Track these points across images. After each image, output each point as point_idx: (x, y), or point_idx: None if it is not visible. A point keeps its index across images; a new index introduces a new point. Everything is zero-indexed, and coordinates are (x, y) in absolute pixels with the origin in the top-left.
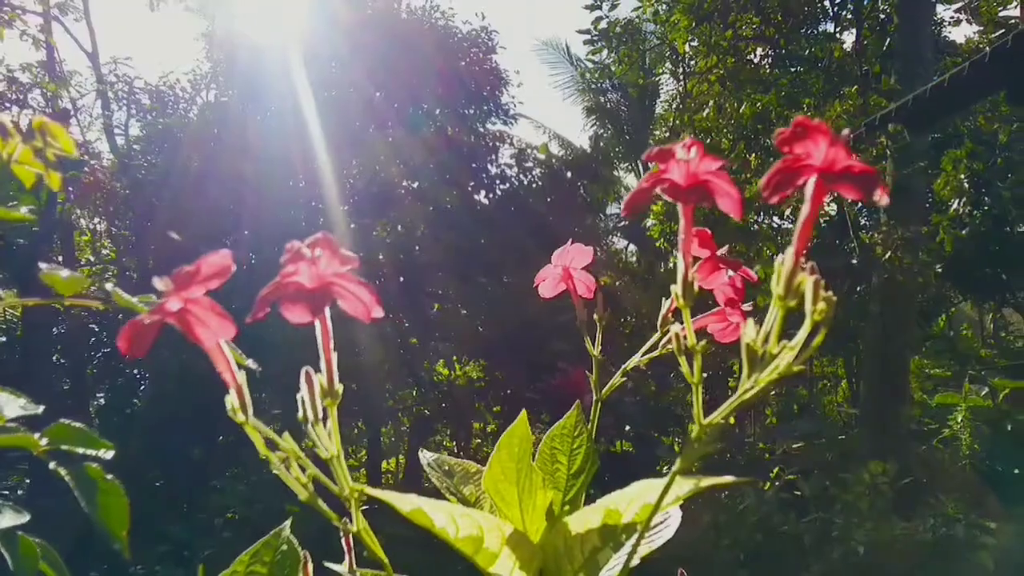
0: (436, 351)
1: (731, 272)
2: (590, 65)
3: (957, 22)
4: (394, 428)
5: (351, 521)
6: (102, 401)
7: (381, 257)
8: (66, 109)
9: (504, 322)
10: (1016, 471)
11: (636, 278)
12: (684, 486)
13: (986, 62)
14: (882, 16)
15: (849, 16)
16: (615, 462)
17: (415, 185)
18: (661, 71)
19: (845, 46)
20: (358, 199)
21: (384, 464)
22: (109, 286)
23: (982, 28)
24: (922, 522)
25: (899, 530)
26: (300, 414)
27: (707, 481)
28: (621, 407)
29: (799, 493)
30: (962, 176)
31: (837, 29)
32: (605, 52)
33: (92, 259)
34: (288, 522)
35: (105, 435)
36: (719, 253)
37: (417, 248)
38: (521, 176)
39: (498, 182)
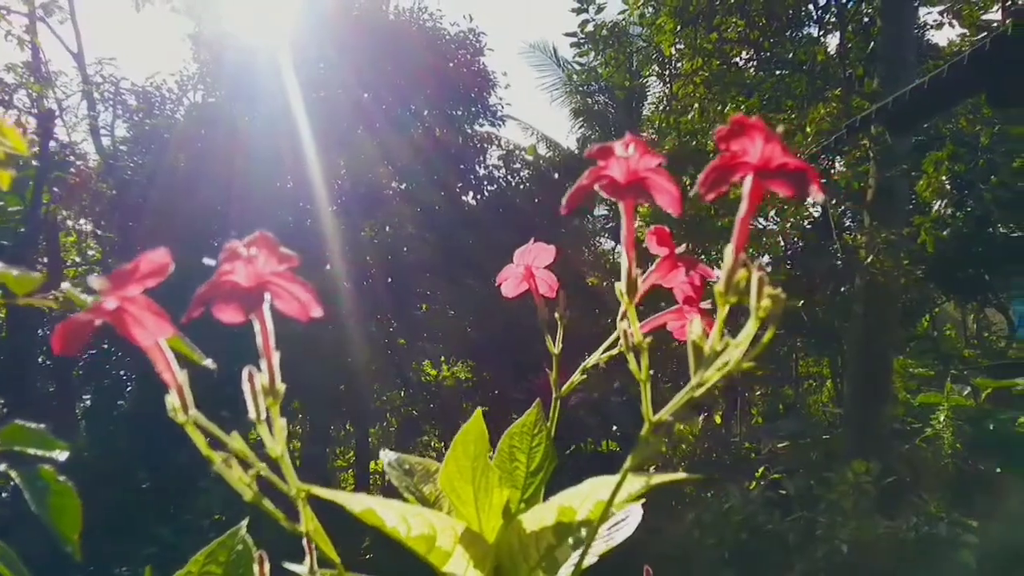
0: (424, 352)
1: (689, 271)
2: (577, 67)
3: (940, 25)
4: (382, 429)
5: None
6: (88, 403)
7: (368, 259)
8: (51, 110)
9: (491, 323)
10: (998, 470)
11: (619, 277)
12: (635, 483)
13: (965, 64)
14: (865, 19)
15: (833, 20)
16: (602, 462)
17: (403, 186)
18: (648, 73)
19: (829, 49)
20: (346, 200)
21: (372, 464)
22: (66, 285)
23: (965, 32)
24: (905, 521)
25: (882, 529)
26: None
27: (658, 478)
28: (607, 407)
29: (784, 492)
30: (944, 178)
31: (821, 32)
32: (592, 55)
33: (78, 260)
34: (244, 522)
35: (92, 437)
36: (678, 252)
37: (405, 249)
38: (509, 177)
39: (486, 183)
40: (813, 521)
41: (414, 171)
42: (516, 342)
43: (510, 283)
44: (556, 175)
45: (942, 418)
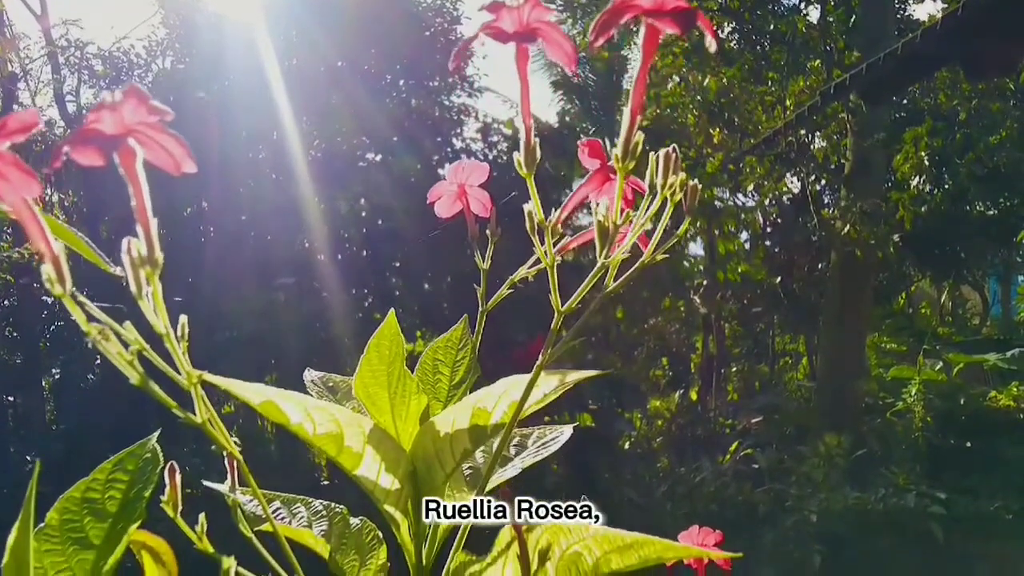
0: (400, 324)
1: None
2: None
3: None
4: None
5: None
6: (57, 376)
7: (343, 231)
8: (14, 73)
9: (467, 297)
10: (968, 444)
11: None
12: (550, 382)
13: (938, 30)
14: None
15: None
16: (575, 436)
17: (378, 157)
18: (629, 44)
19: (810, 19)
20: (320, 170)
21: None
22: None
23: (946, 4)
24: (874, 492)
25: (851, 500)
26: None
27: (572, 376)
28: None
29: (756, 466)
30: (923, 154)
31: (802, 3)
32: (570, 23)
33: None
34: (156, 433)
35: (61, 410)
36: (609, 163)
37: (380, 221)
38: (486, 151)
39: (463, 156)
40: (783, 492)
41: (390, 142)
42: (490, 315)
43: (444, 202)
44: None
45: (914, 392)
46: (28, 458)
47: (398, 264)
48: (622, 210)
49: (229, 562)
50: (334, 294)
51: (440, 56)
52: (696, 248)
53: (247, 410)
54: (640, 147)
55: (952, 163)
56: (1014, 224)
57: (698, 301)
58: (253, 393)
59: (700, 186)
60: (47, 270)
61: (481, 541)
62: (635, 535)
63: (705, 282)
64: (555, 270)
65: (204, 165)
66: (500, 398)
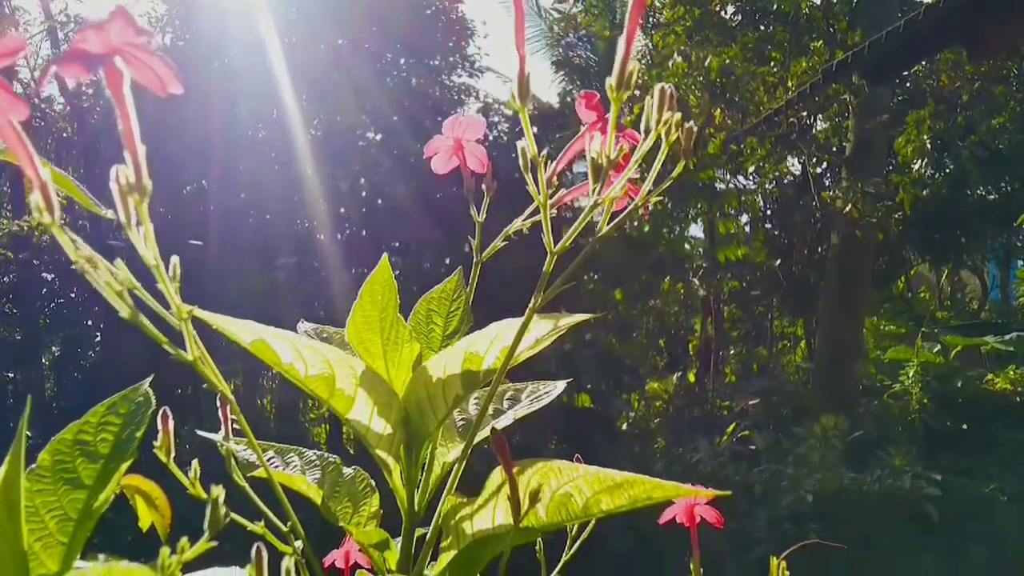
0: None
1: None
2: (556, 16)
3: None
4: None
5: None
6: (57, 353)
7: (343, 210)
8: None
9: (467, 278)
10: (964, 426)
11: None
12: (543, 326)
13: (940, 7)
14: None
15: None
16: (571, 417)
17: (378, 136)
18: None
19: (814, 1)
20: (320, 149)
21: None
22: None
23: None
24: (870, 473)
25: (847, 480)
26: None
27: (566, 319)
28: (578, 358)
29: (753, 447)
30: (925, 137)
31: None
32: (572, 0)
33: None
34: (148, 379)
35: (61, 387)
36: (607, 116)
37: (380, 200)
38: (487, 131)
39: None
40: (780, 473)
41: (390, 121)
42: (488, 292)
43: (440, 158)
44: (535, 129)
45: (911, 374)
46: (28, 435)
47: (398, 244)
48: (621, 169)
49: (217, 491)
50: (334, 273)
51: (441, 35)
52: (696, 230)
53: (247, 389)
54: (635, 76)
55: (954, 146)
56: (1015, 208)
57: (697, 283)
58: (244, 331)
59: (695, 128)
60: (35, 198)
61: (476, 486)
62: (625, 474)
63: (705, 264)
64: (547, 209)
65: (204, 144)
66: (492, 342)
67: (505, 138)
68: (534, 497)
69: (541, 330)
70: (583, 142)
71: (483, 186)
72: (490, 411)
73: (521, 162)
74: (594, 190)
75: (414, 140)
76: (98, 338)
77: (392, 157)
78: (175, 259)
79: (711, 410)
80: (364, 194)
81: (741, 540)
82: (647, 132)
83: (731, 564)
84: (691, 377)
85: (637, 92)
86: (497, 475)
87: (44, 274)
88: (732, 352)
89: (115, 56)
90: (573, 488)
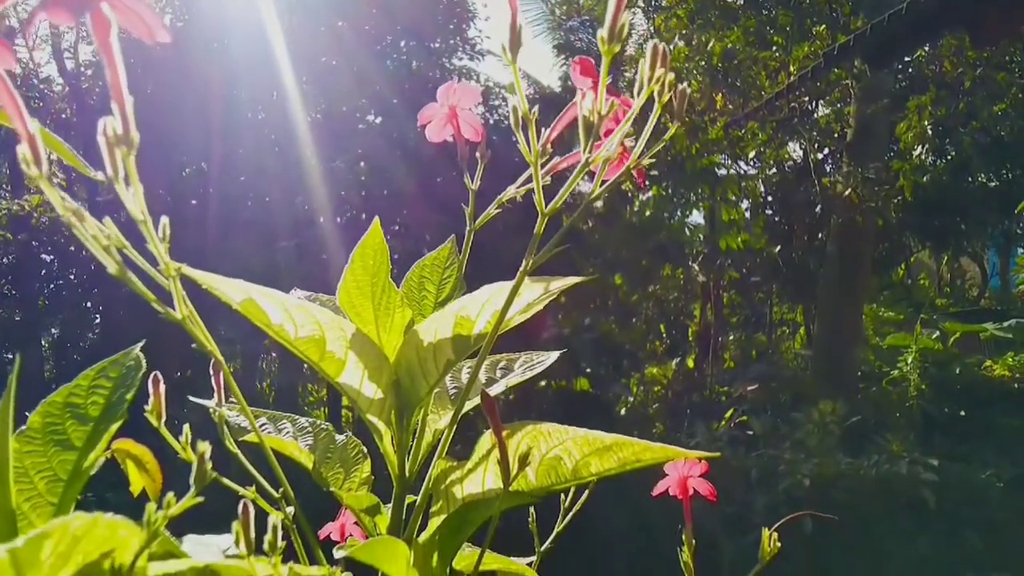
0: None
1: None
2: None
3: None
4: None
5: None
6: (56, 335)
7: (343, 192)
8: (12, 27)
9: (468, 261)
10: (962, 413)
11: (600, 220)
12: (535, 289)
13: None
14: None
15: None
16: (570, 401)
17: (379, 120)
18: (632, 5)
19: None
20: (320, 132)
21: (345, 400)
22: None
23: None
24: (867, 459)
25: (844, 466)
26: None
27: (557, 283)
28: (577, 343)
29: (751, 432)
30: (926, 123)
31: None
32: None
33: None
34: (140, 344)
35: (60, 370)
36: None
37: (380, 184)
38: (487, 115)
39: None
40: (777, 458)
41: (390, 104)
42: (486, 278)
43: (434, 126)
44: (536, 112)
45: (910, 360)
46: (27, 414)
47: (398, 227)
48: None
49: (204, 446)
50: (333, 256)
51: (442, 18)
52: (696, 217)
53: (245, 372)
54: (626, 30)
55: (955, 132)
56: (1016, 195)
57: (697, 269)
58: (234, 290)
59: (689, 90)
60: (22, 150)
61: (469, 454)
62: (615, 436)
63: (705, 250)
64: (538, 167)
65: (204, 126)
66: (484, 306)
67: (506, 122)
68: (524, 460)
69: (532, 293)
70: (577, 108)
71: (477, 154)
72: (483, 379)
73: (512, 120)
74: (585, 148)
75: (413, 124)
76: (97, 320)
77: (392, 140)
78: (165, 219)
79: (710, 396)
80: (364, 177)
81: (737, 524)
82: (640, 91)
83: (727, 547)
84: (690, 363)
85: (636, 75)
86: (487, 438)
87: (43, 255)
88: (731, 338)
89: (102, 2)
90: (563, 451)
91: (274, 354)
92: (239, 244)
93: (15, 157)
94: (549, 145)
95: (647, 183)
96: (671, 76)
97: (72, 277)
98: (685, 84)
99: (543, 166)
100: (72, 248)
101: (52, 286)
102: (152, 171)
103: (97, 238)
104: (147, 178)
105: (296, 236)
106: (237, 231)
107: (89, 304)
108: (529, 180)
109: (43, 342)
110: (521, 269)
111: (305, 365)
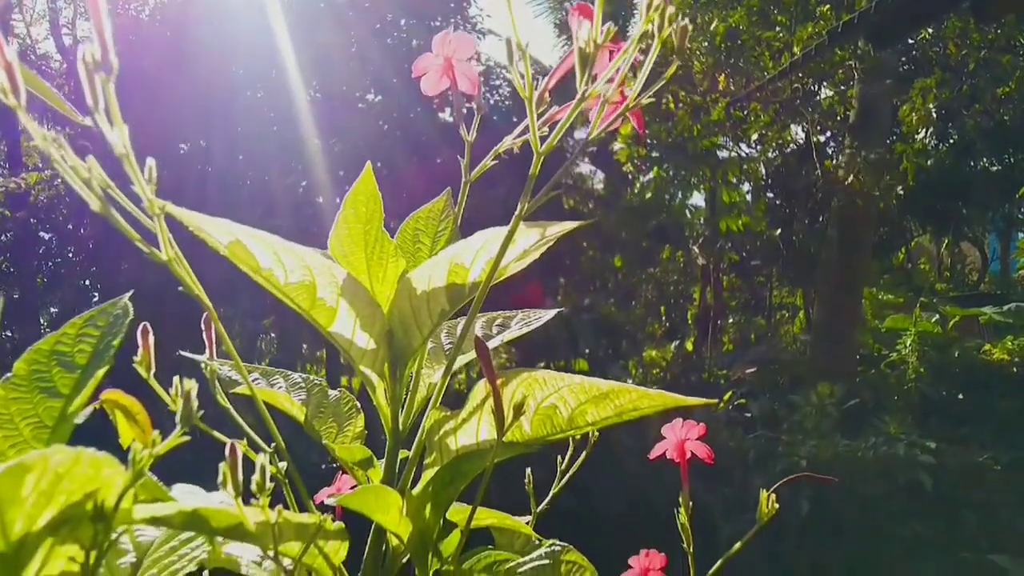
0: None
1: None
2: None
3: None
4: None
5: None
6: (55, 314)
7: (341, 173)
8: (9, 2)
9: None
10: (960, 396)
11: (600, 202)
12: (530, 235)
13: None
14: None
15: None
16: None
17: (378, 99)
18: None
19: None
20: (319, 111)
21: (344, 380)
22: None
23: None
24: (864, 441)
25: (841, 447)
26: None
27: (554, 228)
28: (576, 323)
29: (749, 414)
30: (931, 106)
31: None
32: None
33: (40, 164)
34: (128, 293)
35: None
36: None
37: (379, 164)
38: (487, 95)
39: (464, 100)
40: (774, 439)
41: (390, 83)
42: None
43: (430, 77)
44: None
45: (908, 343)
46: None
47: (393, 208)
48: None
49: (189, 383)
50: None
51: None
52: (697, 199)
53: (243, 353)
54: None
55: (959, 116)
56: (1017, 179)
57: (697, 252)
58: (221, 231)
59: (691, 27)
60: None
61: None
62: (611, 383)
63: (706, 233)
64: (533, 104)
65: (202, 103)
66: (478, 253)
67: (507, 103)
68: (518, 410)
69: (528, 240)
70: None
71: (473, 105)
72: (480, 333)
73: (507, 54)
74: (582, 80)
75: (414, 102)
76: (96, 298)
77: (392, 119)
78: (151, 161)
79: (708, 378)
80: (363, 156)
81: (734, 505)
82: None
83: (724, 528)
84: (689, 345)
85: (639, 55)
86: (481, 387)
87: (42, 233)
88: (731, 321)
89: None
90: (558, 399)
91: (272, 335)
92: (237, 221)
93: (12, 135)
94: (547, 94)
95: (648, 164)
96: (671, 11)
97: (71, 255)
98: (685, 21)
99: (540, 116)
100: (71, 226)
101: (51, 264)
102: (150, 149)
103: (77, 169)
104: (145, 156)
105: (295, 215)
106: (235, 209)
107: (88, 282)
108: (526, 131)
109: (42, 320)
110: (516, 213)
111: (304, 346)
